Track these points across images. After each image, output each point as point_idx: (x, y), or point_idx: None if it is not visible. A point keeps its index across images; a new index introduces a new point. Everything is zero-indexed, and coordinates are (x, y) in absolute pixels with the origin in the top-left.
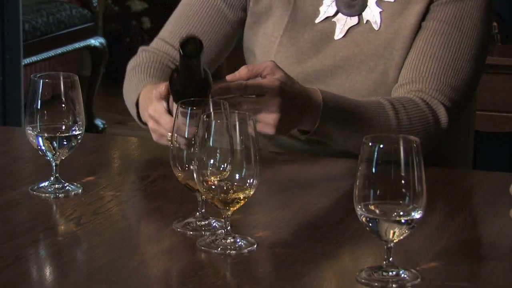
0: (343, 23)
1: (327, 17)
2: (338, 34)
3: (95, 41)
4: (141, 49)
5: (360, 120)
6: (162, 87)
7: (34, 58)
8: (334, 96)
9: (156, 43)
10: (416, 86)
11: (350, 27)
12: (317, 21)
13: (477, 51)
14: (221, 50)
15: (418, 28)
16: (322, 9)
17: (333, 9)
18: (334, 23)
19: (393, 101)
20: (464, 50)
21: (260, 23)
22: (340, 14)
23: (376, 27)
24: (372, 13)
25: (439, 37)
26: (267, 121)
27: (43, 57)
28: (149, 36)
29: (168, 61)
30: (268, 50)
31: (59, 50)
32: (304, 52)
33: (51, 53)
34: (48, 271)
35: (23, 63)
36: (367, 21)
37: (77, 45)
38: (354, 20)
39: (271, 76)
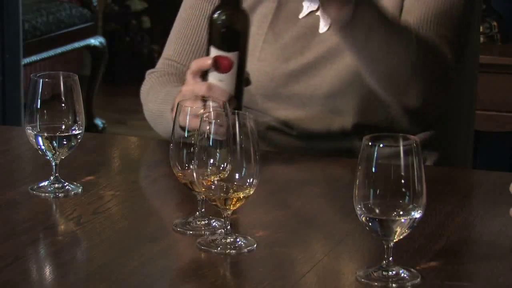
0: (327, 16)
1: (310, 12)
2: (323, 28)
3: (95, 41)
4: (149, 72)
5: (388, 17)
6: (194, 64)
7: (34, 58)
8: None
9: (162, 63)
10: (432, 26)
11: None
12: (301, 16)
13: None
14: None
15: (400, 7)
16: (305, 3)
17: (316, 3)
18: (318, 17)
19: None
20: None
21: None
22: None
23: None
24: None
25: None
26: None
27: (43, 56)
28: (149, 35)
29: (177, 82)
30: (253, 48)
31: (59, 50)
32: (289, 49)
33: (51, 52)
34: (47, 271)
35: (23, 63)
36: None
37: (77, 44)
38: None
39: None
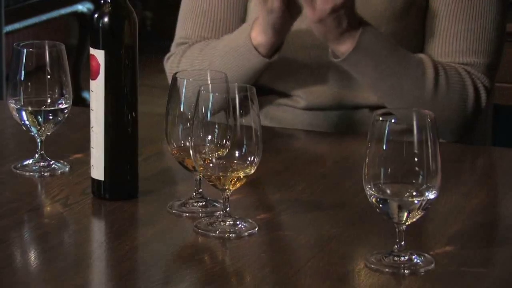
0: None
1: None
2: None
3: (83, 7)
4: (169, 55)
5: (396, 63)
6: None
7: (16, 26)
8: (375, 30)
9: (180, 47)
10: (466, 59)
11: None
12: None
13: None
14: None
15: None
16: None
17: None
18: None
19: (436, 62)
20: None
21: None
22: None
23: None
24: None
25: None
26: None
27: (27, 24)
28: (141, 1)
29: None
30: None
31: (43, 17)
32: (299, 20)
33: (35, 19)
34: (33, 256)
35: (4, 31)
36: None
37: (63, 11)
38: None
39: None
